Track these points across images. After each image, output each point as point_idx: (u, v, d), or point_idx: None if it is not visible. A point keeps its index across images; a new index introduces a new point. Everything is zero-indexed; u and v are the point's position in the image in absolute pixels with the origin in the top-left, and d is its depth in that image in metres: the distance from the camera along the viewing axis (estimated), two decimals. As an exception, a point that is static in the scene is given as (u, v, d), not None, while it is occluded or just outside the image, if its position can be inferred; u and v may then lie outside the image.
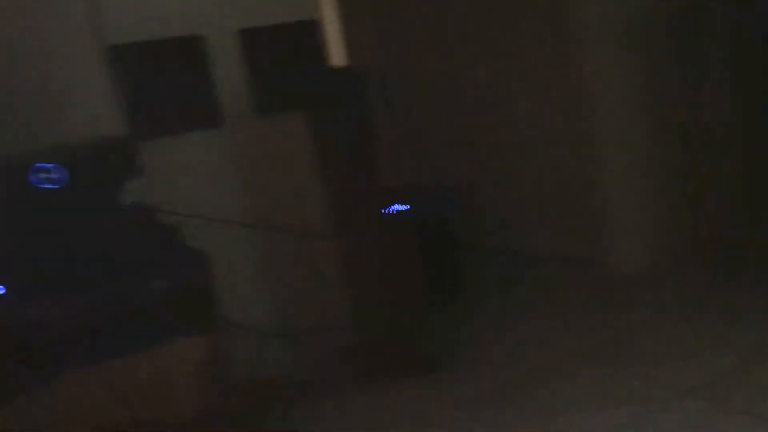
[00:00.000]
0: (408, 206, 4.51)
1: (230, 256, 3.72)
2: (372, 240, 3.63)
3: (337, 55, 6.26)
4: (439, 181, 5.88)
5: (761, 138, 5.02)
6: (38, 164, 2.81)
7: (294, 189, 3.96)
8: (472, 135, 5.56)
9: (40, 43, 3.32)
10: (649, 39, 4.50)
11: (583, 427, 3.01)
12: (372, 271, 3.65)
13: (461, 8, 5.30)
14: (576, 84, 4.53)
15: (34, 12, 3.31)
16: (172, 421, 2.66)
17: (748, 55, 4.81)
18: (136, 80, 3.50)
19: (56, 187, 2.83)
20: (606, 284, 4.48)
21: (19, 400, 2.64)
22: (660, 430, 2.89)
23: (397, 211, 4.45)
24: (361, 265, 3.65)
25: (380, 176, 3.69)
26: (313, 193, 3.84)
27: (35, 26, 3.31)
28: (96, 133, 3.33)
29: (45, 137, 3.19)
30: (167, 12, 3.59)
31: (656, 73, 4.55)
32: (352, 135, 3.54)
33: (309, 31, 3.95)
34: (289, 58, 3.90)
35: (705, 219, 4.83)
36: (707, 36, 4.76)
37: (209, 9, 3.69)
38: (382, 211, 3.80)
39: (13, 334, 2.70)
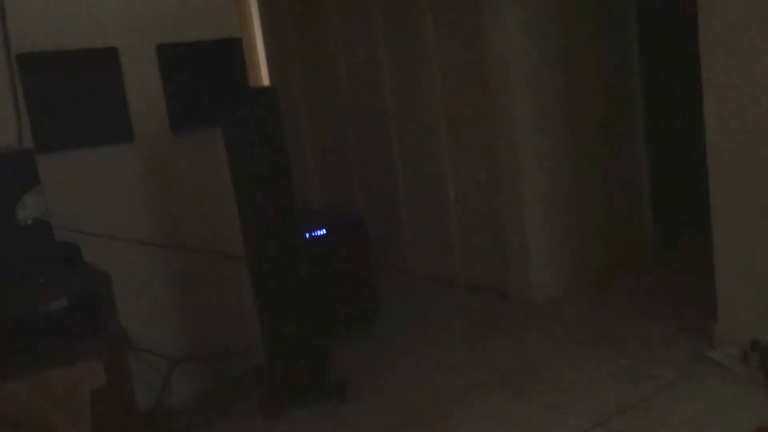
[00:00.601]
0: (324, 230, 4.48)
1: (135, 276, 3.58)
2: (285, 263, 3.56)
3: (255, 74, 6.24)
4: (355, 207, 5.90)
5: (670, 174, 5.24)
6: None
7: (206, 208, 3.85)
8: (384, 160, 5.60)
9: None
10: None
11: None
12: (283, 294, 3.58)
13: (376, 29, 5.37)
14: (489, 112, 4.60)
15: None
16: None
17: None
18: (43, 90, 3.34)
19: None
20: (516, 313, 4.53)
21: None
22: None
23: (312, 234, 4.41)
24: (272, 288, 3.56)
25: (295, 198, 3.63)
26: (226, 213, 3.76)
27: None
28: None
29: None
30: (81, 22, 3.45)
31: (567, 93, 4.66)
32: (267, 155, 3.47)
33: (228, 49, 3.87)
34: (206, 76, 3.80)
35: (615, 251, 4.96)
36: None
37: (126, 21, 3.57)
38: (297, 233, 3.73)
39: None
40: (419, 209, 5.45)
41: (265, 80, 6.51)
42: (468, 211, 5.05)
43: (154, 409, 3.65)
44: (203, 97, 3.78)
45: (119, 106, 3.55)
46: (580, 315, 4.35)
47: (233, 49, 3.92)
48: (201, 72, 3.80)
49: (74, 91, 3.43)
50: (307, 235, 4.33)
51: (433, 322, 4.59)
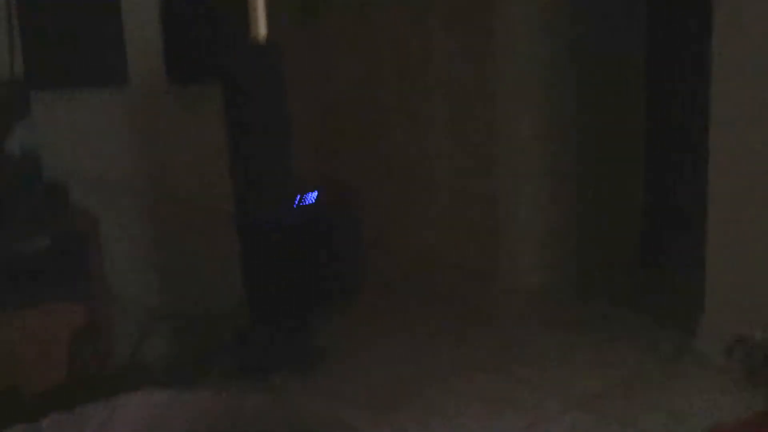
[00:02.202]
0: (315, 197, 4.43)
1: (121, 224, 3.50)
2: (275, 226, 3.50)
3: (259, 29, 6.10)
4: (344, 178, 5.82)
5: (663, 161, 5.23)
6: None
7: (199, 162, 3.78)
8: (380, 128, 5.52)
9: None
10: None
11: (473, 429, 2.98)
12: (270, 257, 3.52)
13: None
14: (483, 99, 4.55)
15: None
16: (35, 387, 2.44)
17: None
18: (40, 25, 3.25)
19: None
20: (503, 296, 4.51)
21: None
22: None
23: (303, 199, 4.35)
24: (259, 250, 3.50)
25: (292, 160, 3.56)
26: (219, 169, 3.68)
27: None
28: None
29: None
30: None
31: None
32: (266, 112, 3.40)
33: (233, 1, 3.79)
34: (208, 26, 3.71)
35: (608, 241, 4.95)
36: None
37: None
38: (289, 197, 3.67)
39: None
40: (412, 185, 5.39)
41: (265, 30, 6.37)
42: (462, 190, 5.00)
43: (130, 361, 3.59)
44: (203, 48, 3.70)
45: (117, 48, 3.47)
46: (568, 301, 4.33)
47: (237, 3, 3.83)
48: (203, 21, 3.71)
49: (71, 29, 3.35)
50: (298, 199, 4.27)
51: (418, 300, 4.56)
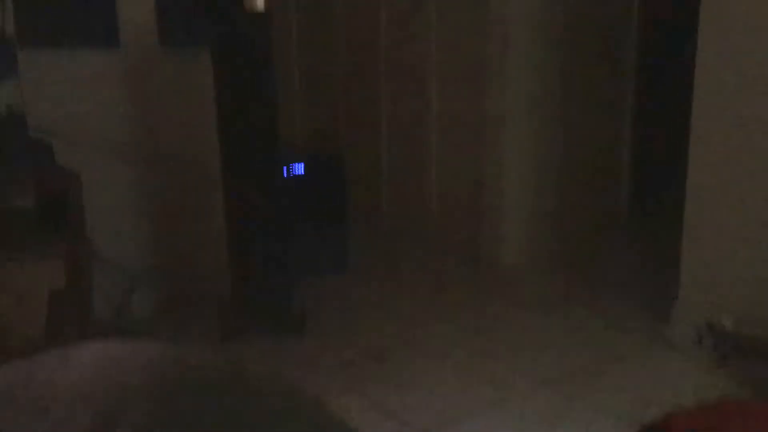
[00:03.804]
0: (302, 166, 4.45)
1: (107, 186, 3.52)
2: (260, 192, 3.53)
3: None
4: (337, 145, 5.84)
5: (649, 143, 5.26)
6: None
7: (187, 126, 3.79)
8: (370, 102, 5.54)
9: None
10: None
11: (446, 400, 3.04)
12: (255, 223, 3.55)
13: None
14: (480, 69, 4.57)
15: None
16: (10, 343, 2.48)
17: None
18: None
19: None
20: (484, 275, 4.56)
21: None
22: (519, 416, 2.96)
23: (290, 169, 4.37)
24: (244, 216, 3.53)
25: (278, 128, 3.58)
26: (207, 133, 3.70)
27: None
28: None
29: None
30: None
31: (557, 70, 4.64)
32: (254, 80, 3.41)
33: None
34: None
35: (590, 223, 5.00)
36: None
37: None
38: (276, 165, 3.69)
39: None
40: (400, 159, 5.41)
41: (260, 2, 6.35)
42: (448, 168, 5.03)
43: (110, 321, 3.62)
44: (195, 13, 3.69)
45: (108, 9, 3.46)
46: (546, 282, 4.38)
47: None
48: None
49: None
50: (285, 170, 4.28)
51: (401, 276, 4.60)
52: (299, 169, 4.42)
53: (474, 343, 3.58)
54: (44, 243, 2.86)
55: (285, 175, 4.27)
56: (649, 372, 3.29)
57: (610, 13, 4.88)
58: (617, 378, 3.23)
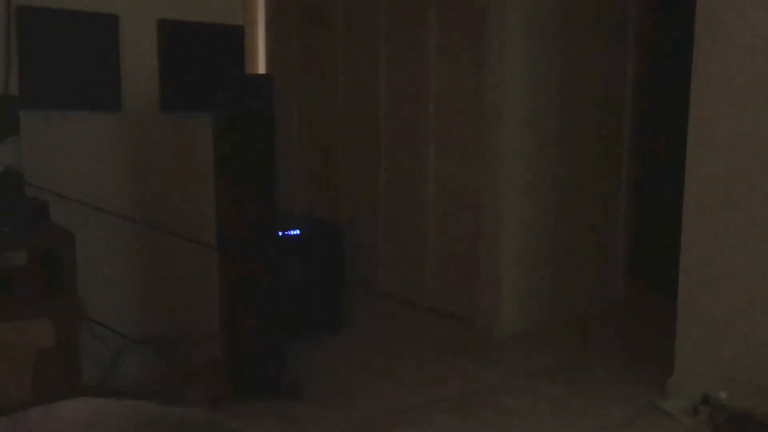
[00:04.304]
0: (299, 231, 4.46)
1: (101, 247, 3.53)
2: (255, 256, 3.53)
3: (252, 63, 6.24)
4: (335, 214, 5.89)
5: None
6: None
7: (184, 191, 3.82)
8: (369, 171, 5.61)
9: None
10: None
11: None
12: (248, 287, 3.54)
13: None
14: (479, 139, 4.64)
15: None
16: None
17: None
18: (37, 45, 3.31)
19: None
20: (479, 342, 4.52)
21: None
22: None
23: (286, 233, 4.39)
24: (237, 279, 3.52)
25: (277, 195, 3.60)
26: (203, 199, 3.73)
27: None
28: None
29: None
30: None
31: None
32: (254, 147, 3.45)
33: (229, 36, 3.87)
34: (203, 59, 3.79)
35: (585, 297, 5.00)
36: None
37: (131, -9, 3.57)
38: (272, 229, 3.70)
39: None
40: (398, 228, 5.45)
41: (262, 70, 6.51)
42: (445, 236, 5.05)
43: (99, 385, 3.57)
44: (197, 80, 3.77)
45: (111, 74, 3.53)
46: (541, 351, 4.35)
47: (234, 37, 3.92)
48: (198, 54, 3.79)
49: (68, 52, 3.41)
50: (281, 234, 4.30)
51: (395, 341, 4.58)
52: (296, 234, 4.44)
53: (463, 410, 3.52)
54: (34, 301, 2.85)
55: (282, 239, 4.29)
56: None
57: (605, 120, 5.03)
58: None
